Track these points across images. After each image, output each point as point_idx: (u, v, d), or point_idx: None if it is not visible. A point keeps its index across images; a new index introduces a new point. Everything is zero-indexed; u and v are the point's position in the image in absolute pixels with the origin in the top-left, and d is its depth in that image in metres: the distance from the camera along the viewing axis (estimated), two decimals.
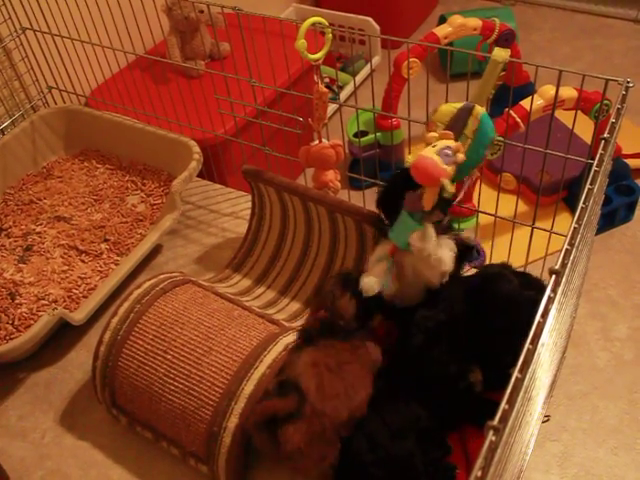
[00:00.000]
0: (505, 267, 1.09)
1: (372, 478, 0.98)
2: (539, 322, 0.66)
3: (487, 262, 1.21)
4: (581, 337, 1.61)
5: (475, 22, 1.98)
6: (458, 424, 1.07)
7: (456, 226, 1.66)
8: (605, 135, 0.91)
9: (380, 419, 1.00)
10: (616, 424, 1.42)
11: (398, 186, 1.08)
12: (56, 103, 1.79)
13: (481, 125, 1.03)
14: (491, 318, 1.02)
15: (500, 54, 1.01)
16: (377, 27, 2.43)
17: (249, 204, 1.44)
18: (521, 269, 1.22)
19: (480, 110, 1.03)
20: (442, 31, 1.97)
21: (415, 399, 1.02)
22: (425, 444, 1.00)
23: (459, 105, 1.06)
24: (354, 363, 1.02)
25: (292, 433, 0.93)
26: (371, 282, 1.07)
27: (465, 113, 1.04)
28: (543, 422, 1.34)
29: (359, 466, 0.99)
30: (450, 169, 1.01)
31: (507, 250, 1.30)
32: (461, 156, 1.01)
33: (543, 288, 0.95)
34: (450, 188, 1.02)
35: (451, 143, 1.02)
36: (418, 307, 1.06)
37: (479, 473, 0.54)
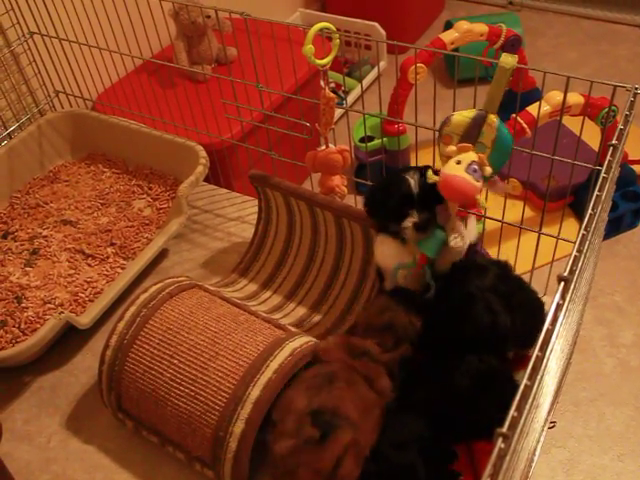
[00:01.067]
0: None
1: None
2: (548, 329, 0.66)
3: None
4: (587, 343, 1.61)
5: (481, 28, 1.98)
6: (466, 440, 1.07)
7: None
8: (613, 142, 0.91)
9: (382, 430, 1.00)
10: (622, 431, 1.41)
11: (394, 195, 1.10)
12: (63, 107, 1.79)
13: (499, 134, 1.04)
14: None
15: (508, 60, 1.01)
16: (383, 32, 2.43)
17: (255, 209, 1.44)
18: (527, 275, 1.22)
19: (494, 119, 1.03)
20: (448, 36, 1.97)
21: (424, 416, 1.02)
22: (429, 451, 1.00)
23: (471, 114, 1.06)
24: (377, 408, 1.01)
25: (348, 464, 0.92)
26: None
27: (479, 122, 1.04)
28: (549, 428, 1.33)
29: (362, 477, 0.99)
30: (480, 184, 1.03)
31: (514, 256, 1.30)
32: (488, 169, 1.03)
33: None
34: (484, 204, 1.06)
35: (474, 157, 1.03)
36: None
37: None
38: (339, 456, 0.92)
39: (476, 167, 1.03)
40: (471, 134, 1.05)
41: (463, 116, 1.06)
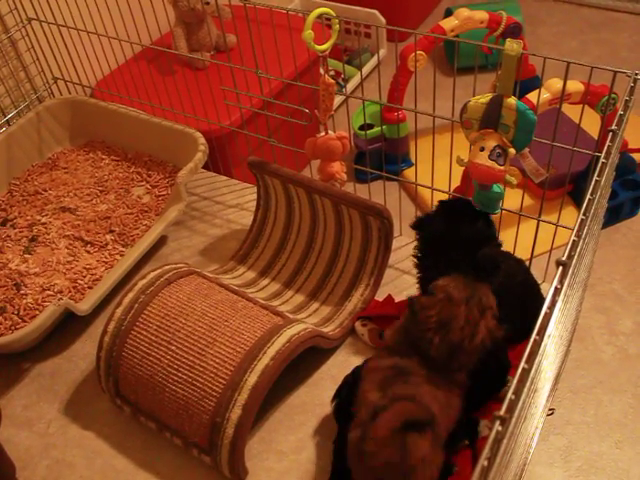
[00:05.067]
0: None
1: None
2: (546, 313, 0.66)
3: None
4: (586, 331, 1.61)
5: (482, 15, 1.97)
6: None
7: None
8: (613, 127, 0.90)
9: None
10: (620, 418, 1.41)
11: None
12: (62, 94, 1.79)
13: (520, 115, 1.06)
14: None
15: (512, 47, 1.01)
16: (383, 20, 2.42)
17: (254, 196, 1.44)
18: (527, 262, 1.22)
19: (512, 101, 1.06)
20: (448, 24, 1.96)
21: None
22: None
23: (484, 99, 1.07)
24: (456, 398, 1.00)
25: (421, 441, 0.91)
26: None
27: (496, 105, 1.07)
28: (548, 415, 1.34)
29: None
30: (505, 167, 1.08)
31: (513, 243, 1.30)
32: (512, 151, 1.08)
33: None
34: (513, 181, 1.11)
35: (497, 141, 1.06)
36: None
37: (485, 463, 0.54)
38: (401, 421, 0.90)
39: (500, 151, 1.07)
40: (490, 118, 1.08)
41: (478, 102, 1.08)
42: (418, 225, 1.20)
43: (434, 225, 1.18)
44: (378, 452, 0.90)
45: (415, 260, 1.21)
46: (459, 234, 1.16)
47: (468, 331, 0.96)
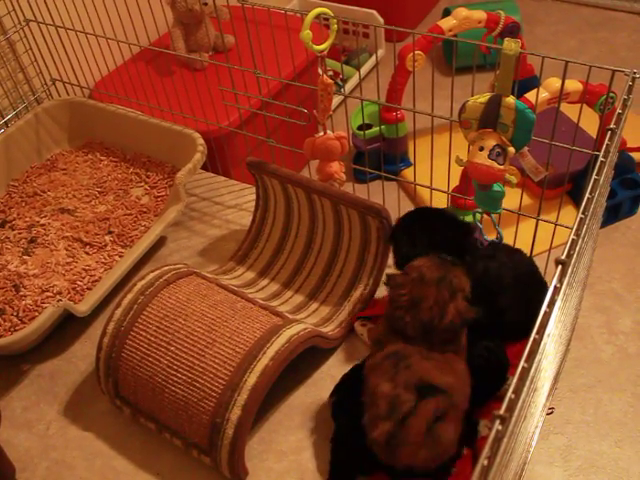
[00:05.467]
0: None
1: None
2: (545, 312, 0.66)
3: None
4: (585, 330, 1.61)
5: (480, 15, 1.97)
6: None
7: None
8: (611, 126, 0.91)
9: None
10: (620, 417, 1.41)
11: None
12: (60, 95, 1.79)
13: (519, 114, 1.06)
14: None
15: (510, 46, 1.01)
16: (381, 20, 2.42)
17: (253, 196, 1.43)
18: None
19: (511, 100, 1.06)
20: (446, 24, 1.96)
21: None
22: None
23: (483, 99, 1.08)
24: (460, 363, 1.02)
25: (447, 426, 0.93)
26: None
27: (494, 105, 1.07)
28: (547, 414, 1.34)
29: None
30: (505, 166, 1.09)
31: (512, 242, 1.30)
32: (511, 149, 1.09)
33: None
34: (513, 180, 1.11)
35: (497, 140, 1.06)
36: None
37: (485, 462, 0.54)
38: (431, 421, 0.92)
39: (499, 150, 1.07)
40: (489, 117, 1.09)
41: (476, 102, 1.08)
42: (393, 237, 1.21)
43: (407, 235, 1.18)
44: (414, 454, 0.93)
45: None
46: (435, 235, 1.16)
47: (437, 311, 0.99)
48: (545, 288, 1.18)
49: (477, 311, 1.00)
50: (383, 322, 1.08)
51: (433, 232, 1.17)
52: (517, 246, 1.28)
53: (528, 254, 1.28)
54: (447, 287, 1.00)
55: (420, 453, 0.92)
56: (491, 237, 1.26)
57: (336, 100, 2.21)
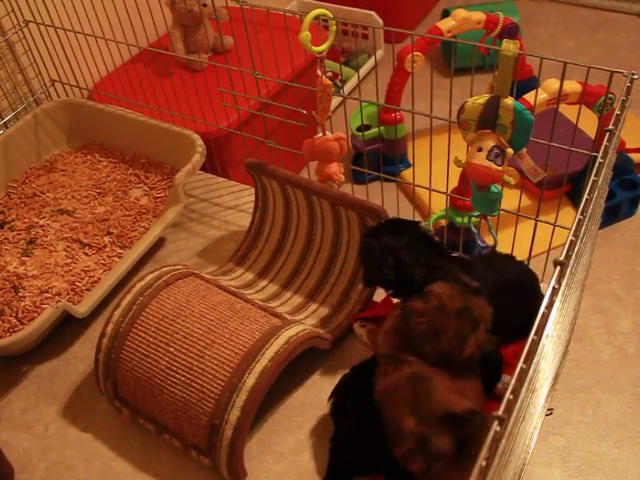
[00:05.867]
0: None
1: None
2: (544, 313, 0.66)
3: None
4: (584, 331, 1.61)
5: (479, 16, 1.97)
6: None
7: (459, 220, 1.68)
8: (610, 127, 0.91)
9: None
10: (619, 418, 1.41)
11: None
12: (59, 96, 1.79)
13: (517, 115, 1.06)
14: None
15: (509, 47, 1.01)
16: (380, 21, 2.42)
17: (252, 197, 1.44)
18: (525, 262, 1.22)
19: (510, 101, 1.06)
20: (445, 25, 1.96)
21: None
22: None
23: (482, 100, 1.08)
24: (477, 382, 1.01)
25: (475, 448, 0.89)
26: None
27: (492, 106, 1.07)
28: (546, 415, 1.34)
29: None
30: (503, 167, 1.09)
31: (511, 243, 1.30)
32: (510, 150, 1.09)
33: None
34: (511, 181, 1.11)
35: (495, 141, 1.06)
36: None
37: (483, 463, 0.54)
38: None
39: (498, 151, 1.07)
40: (488, 118, 1.09)
41: (475, 103, 1.08)
42: (370, 277, 1.15)
43: (381, 262, 1.12)
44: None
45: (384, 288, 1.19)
46: (401, 242, 1.13)
47: (457, 343, 0.95)
48: (533, 296, 1.16)
49: (498, 341, 0.98)
50: (392, 334, 1.03)
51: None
52: (516, 247, 1.29)
53: (527, 255, 1.29)
54: (469, 319, 0.96)
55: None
56: (488, 241, 1.26)
57: (335, 101, 2.21)
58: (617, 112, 0.94)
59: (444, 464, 0.90)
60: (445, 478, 0.91)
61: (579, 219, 0.78)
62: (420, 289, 1.02)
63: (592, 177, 0.83)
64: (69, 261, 1.41)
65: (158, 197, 1.55)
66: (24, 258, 1.42)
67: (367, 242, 1.12)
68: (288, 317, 1.19)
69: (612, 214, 1.91)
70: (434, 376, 0.95)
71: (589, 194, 0.81)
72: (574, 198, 1.93)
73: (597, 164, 0.86)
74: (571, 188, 1.93)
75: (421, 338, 0.97)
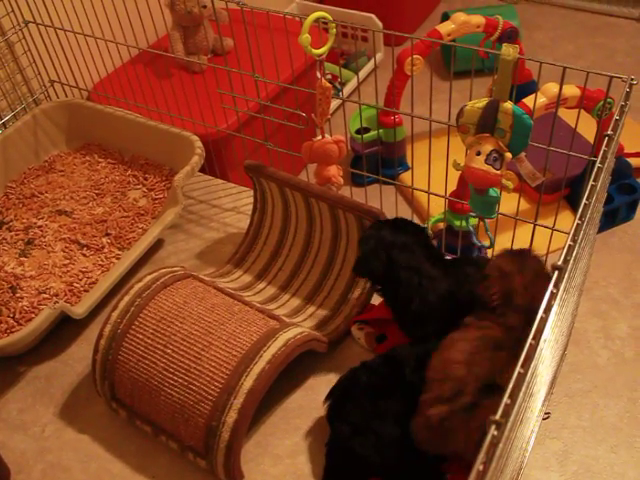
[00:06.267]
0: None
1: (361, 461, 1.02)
2: (542, 317, 0.66)
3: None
4: (582, 335, 1.61)
5: (478, 19, 1.97)
6: None
7: (458, 223, 1.68)
8: (609, 132, 0.91)
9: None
10: (616, 422, 1.41)
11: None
12: (58, 97, 1.78)
13: (516, 119, 1.07)
14: None
15: (508, 52, 1.02)
16: (380, 24, 2.43)
17: (251, 199, 1.44)
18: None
19: (509, 106, 1.07)
20: (445, 28, 1.96)
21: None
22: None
23: (481, 104, 1.08)
24: None
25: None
26: None
27: (492, 110, 1.07)
28: (543, 419, 1.34)
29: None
30: (502, 170, 1.09)
31: (509, 247, 1.30)
32: (508, 155, 1.09)
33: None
34: (510, 185, 1.11)
35: (494, 145, 1.06)
36: None
37: (481, 467, 0.54)
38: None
39: (496, 155, 1.08)
40: (487, 122, 1.09)
41: (474, 106, 1.08)
42: (360, 264, 1.19)
43: (374, 253, 1.16)
44: (461, 442, 0.94)
45: (379, 292, 1.22)
46: (402, 243, 1.16)
47: (529, 295, 1.02)
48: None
49: None
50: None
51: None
52: None
53: None
54: (530, 272, 1.04)
55: (467, 444, 0.93)
56: (485, 242, 1.26)
57: (334, 104, 2.21)
58: (616, 117, 0.94)
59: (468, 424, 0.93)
60: (460, 439, 0.94)
61: (578, 224, 0.78)
62: (405, 291, 1.11)
63: (591, 182, 0.84)
64: (67, 262, 1.41)
65: (157, 198, 1.55)
66: (22, 259, 1.42)
67: (368, 233, 1.17)
68: (286, 319, 1.18)
69: (610, 218, 1.91)
70: (509, 349, 0.99)
71: (588, 199, 0.81)
72: (572, 202, 1.94)
73: (596, 169, 0.86)
74: (569, 192, 1.93)
75: (501, 306, 1.03)
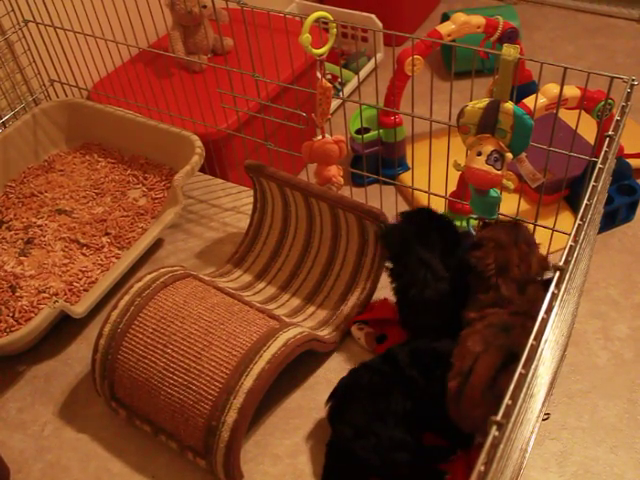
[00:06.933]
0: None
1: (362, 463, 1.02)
2: (543, 318, 0.66)
3: None
4: (581, 336, 1.61)
5: (478, 20, 1.97)
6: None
7: (458, 224, 1.67)
8: (610, 132, 0.91)
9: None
10: (616, 423, 1.41)
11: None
12: (58, 96, 1.78)
13: (517, 120, 1.07)
14: None
15: (509, 52, 1.02)
16: (380, 24, 2.42)
17: (251, 199, 1.43)
18: None
19: (510, 106, 1.07)
20: (445, 29, 1.96)
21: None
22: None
23: (482, 104, 1.08)
24: None
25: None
26: None
27: (492, 110, 1.07)
28: (543, 420, 1.34)
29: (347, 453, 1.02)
30: (503, 171, 1.09)
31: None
32: (509, 155, 1.10)
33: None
34: (510, 185, 1.11)
35: (494, 145, 1.06)
36: None
37: (482, 468, 0.54)
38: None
39: (497, 156, 1.08)
40: (487, 123, 1.09)
41: (475, 107, 1.08)
42: (384, 234, 1.23)
43: (400, 232, 1.20)
44: (472, 407, 0.96)
45: (387, 270, 1.23)
46: (426, 236, 1.18)
47: (525, 267, 1.05)
48: None
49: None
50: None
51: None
52: None
53: None
54: (524, 243, 1.07)
55: (477, 410, 0.95)
56: None
57: (334, 104, 2.21)
58: (617, 118, 0.94)
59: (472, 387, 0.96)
60: (470, 405, 0.96)
61: (578, 224, 0.78)
62: (408, 278, 1.16)
63: (592, 182, 0.84)
64: (67, 261, 1.41)
65: (156, 198, 1.54)
66: (21, 258, 1.42)
67: (404, 214, 1.24)
68: (286, 319, 1.18)
69: (610, 219, 1.91)
70: (518, 327, 1.01)
71: (589, 199, 0.81)
72: (572, 203, 1.93)
73: (597, 170, 0.86)
74: (569, 193, 1.93)
75: (494, 277, 1.06)
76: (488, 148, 1.09)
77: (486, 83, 1.27)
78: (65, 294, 1.34)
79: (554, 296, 0.69)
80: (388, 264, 1.23)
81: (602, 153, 0.89)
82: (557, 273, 0.71)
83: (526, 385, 0.62)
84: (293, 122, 1.40)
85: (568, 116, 1.82)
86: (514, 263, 1.05)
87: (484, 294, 1.06)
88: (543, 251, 1.13)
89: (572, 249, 0.75)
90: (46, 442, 1.18)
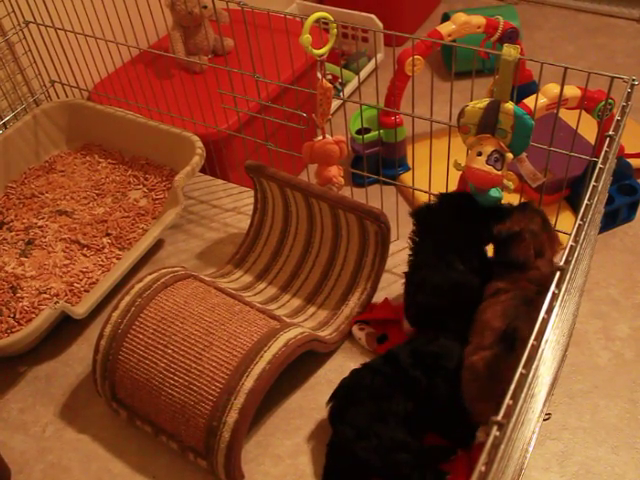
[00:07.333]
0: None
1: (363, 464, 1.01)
2: (543, 318, 0.66)
3: None
4: (582, 336, 1.61)
5: (479, 20, 1.98)
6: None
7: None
8: (610, 132, 0.91)
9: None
10: (616, 423, 1.42)
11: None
12: (59, 97, 1.78)
13: (518, 120, 1.07)
14: None
15: (509, 52, 1.02)
16: (380, 24, 2.43)
17: (251, 199, 1.43)
18: None
19: (510, 106, 1.07)
20: (446, 29, 1.96)
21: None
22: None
23: (482, 104, 1.08)
24: None
25: None
26: None
27: (493, 111, 1.07)
28: (544, 420, 1.34)
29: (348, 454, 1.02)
30: (503, 171, 1.09)
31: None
32: (510, 155, 1.10)
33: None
34: (511, 185, 1.12)
35: (495, 145, 1.06)
36: None
37: (483, 468, 0.54)
38: None
39: (497, 156, 1.08)
40: (488, 123, 1.09)
41: (475, 107, 1.08)
42: (419, 213, 1.22)
43: (435, 215, 1.19)
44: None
45: (411, 242, 1.22)
46: (460, 225, 1.17)
47: (552, 252, 1.11)
48: None
49: None
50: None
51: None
52: None
53: None
54: (548, 225, 1.12)
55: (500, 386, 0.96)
56: None
57: (335, 104, 2.21)
58: (617, 118, 0.94)
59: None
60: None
61: (579, 224, 0.78)
62: (419, 260, 1.19)
63: (592, 182, 0.84)
64: (67, 262, 1.41)
65: (157, 199, 1.55)
66: (22, 259, 1.42)
67: (443, 196, 1.23)
68: (287, 320, 1.18)
69: (611, 219, 1.91)
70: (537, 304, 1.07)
71: (589, 199, 0.81)
72: (573, 203, 1.94)
73: (597, 170, 0.86)
74: (570, 193, 1.93)
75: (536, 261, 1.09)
76: (488, 148, 1.09)
77: (486, 83, 1.28)
78: (66, 295, 1.34)
79: (555, 296, 0.69)
80: (414, 237, 1.23)
81: (602, 153, 0.89)
82: (558, 273, 0.71)
83: (527, 385, 0.62)
84: (293, 122, 1.40)
85: (568, 116, 1.82)
86: (546, 246, 1.09)
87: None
88: None
89: (573, 249, 0.75)
90: (47, 443, 1.18)
